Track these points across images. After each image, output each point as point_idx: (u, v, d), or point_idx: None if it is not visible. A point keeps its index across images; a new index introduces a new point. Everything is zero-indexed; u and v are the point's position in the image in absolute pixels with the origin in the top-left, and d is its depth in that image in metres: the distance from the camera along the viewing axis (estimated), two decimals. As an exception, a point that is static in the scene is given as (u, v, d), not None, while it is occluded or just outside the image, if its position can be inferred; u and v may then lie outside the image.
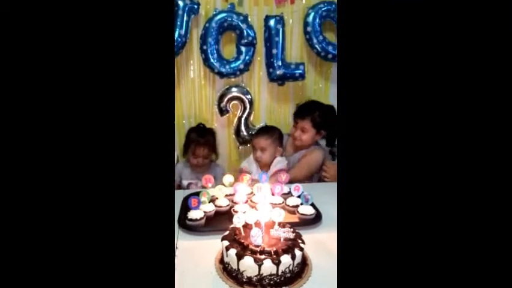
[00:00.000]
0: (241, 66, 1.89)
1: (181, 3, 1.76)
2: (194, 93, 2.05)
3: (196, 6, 1.81)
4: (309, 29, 1.87)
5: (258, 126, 2.07)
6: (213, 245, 0.94)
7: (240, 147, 2.11)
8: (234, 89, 1.97)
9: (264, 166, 1.67)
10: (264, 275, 0.79)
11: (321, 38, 1.87)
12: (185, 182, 1.78)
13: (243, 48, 1.88)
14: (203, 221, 1.09)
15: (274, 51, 1.89)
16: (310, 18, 1.86)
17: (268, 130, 1.75)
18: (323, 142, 1.78)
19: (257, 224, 0.88)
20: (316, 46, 1.89)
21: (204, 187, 1.24)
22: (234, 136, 2.07)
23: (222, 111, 2.00)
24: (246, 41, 1.87)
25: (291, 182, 1.32)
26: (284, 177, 1.29)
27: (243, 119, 2.02)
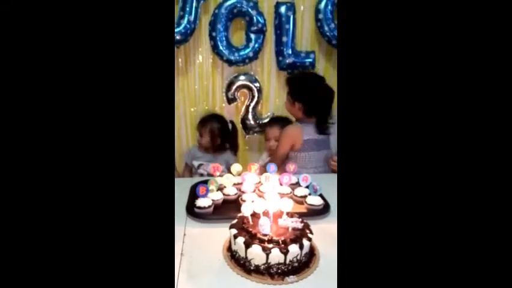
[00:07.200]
0: (251, 54, 1.86)
1: (190, -11, 1.73)
2: (202, 81, 2.04)
3: (205, -8, 1.78)
4: (320, 16, 1.82)
5: (265, 115, 2.06)
6: (221, 233, 0.94)
7: (246, 137, 2.10)
8: (242, 77, 1.95)
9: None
10: (272, 263, 0.79)
11: (332, 25, 1.83)
12: (195, 163, 1.83)
13: (253, 36, 1.85)
14: (211, 209, 1.10)
15: (284, 39, 1.85)
16: (322, 5, 1.81)
17: (280, 120, 1.79)
18: None
19: (265, 213, 0.87)
20: (328, 34, 1.84)
21: (211, 175, 1.24)
22: (241, 125, 2.06)
23: (230, 100, 1.99)
24: (255, 28, 1.83)
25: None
26: (292, 167, 1.28)
27: (250, 108, 2.01)
